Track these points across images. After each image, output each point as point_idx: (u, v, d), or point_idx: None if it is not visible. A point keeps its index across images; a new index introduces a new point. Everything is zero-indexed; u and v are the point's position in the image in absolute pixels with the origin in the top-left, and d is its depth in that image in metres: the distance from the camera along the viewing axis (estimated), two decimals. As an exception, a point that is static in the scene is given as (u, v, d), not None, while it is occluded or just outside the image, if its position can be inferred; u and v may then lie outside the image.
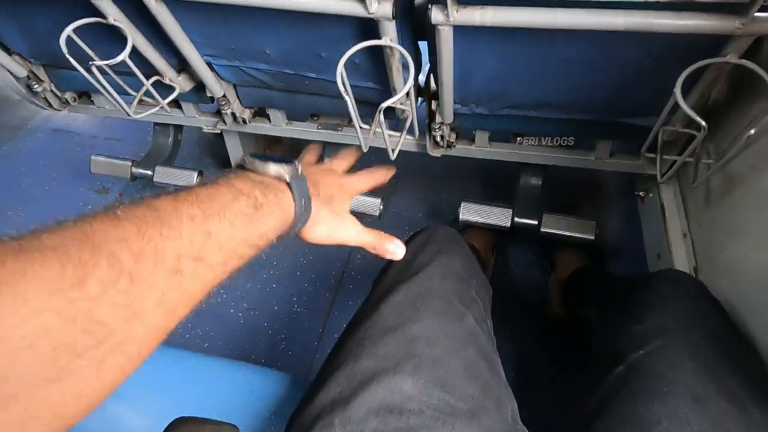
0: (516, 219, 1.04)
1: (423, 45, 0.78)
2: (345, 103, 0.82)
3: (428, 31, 0.73)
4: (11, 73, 1.01)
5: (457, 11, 0.59)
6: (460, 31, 0.64)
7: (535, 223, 1.03)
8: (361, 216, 1.26)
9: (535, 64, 0.73)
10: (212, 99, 1.02)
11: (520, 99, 0.81)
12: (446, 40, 0.65)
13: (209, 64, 0.88)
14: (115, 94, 0.84)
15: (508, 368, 0.55)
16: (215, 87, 0.92)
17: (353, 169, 0.62)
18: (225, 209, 0.35)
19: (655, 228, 0.92)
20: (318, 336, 1.14)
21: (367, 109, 0.88)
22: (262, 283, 1.22)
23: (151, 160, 1.22)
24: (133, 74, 0.85)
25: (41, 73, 1.04)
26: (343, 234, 0.49)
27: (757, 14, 0.52)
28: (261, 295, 1.21)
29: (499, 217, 1.04)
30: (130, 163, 1.19)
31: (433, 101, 0.91)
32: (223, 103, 0.99)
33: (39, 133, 1.67)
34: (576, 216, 1.03)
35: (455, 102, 0.83)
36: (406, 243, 0.63)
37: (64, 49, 0.75)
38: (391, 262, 0.62)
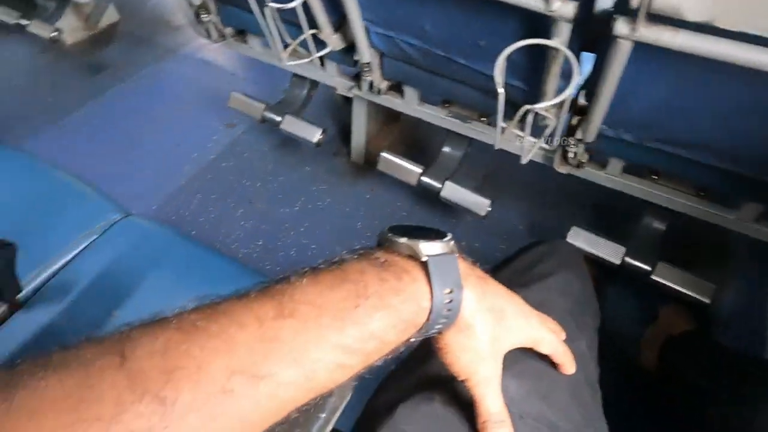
0: (627, 258, 0.98)
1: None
2: (484, 95, 0.81)
3: (599, 42, 0.70)
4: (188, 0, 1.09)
5: (645, 27, 0.56)
6: (637, 49, 0.61)
7: (648, 268, 0.96)
8: (464, 212, 1.25)
9: (705, 100, 0.68)
10: (355, 63, 1.05)
11: (676, 134, 0.75)
12: (621, 55, 0.61)
13: (366, 29, 0.90)
14: (277, 38, 0.88)
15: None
16: (365, 52, 0.94)
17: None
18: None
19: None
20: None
21: (506, 107, 0.86)
22: (332, 227, 1.26)
23: (282, 108, 1.28)
24: (294, 24, 0.89)
25: (212, 5, 1.11)
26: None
27: None
28: (327, 237, 1.24)
29: (610, 251, 0.98)
30: (263, 106, 1.25)
31: (575, 117, 0.87)
32: (366, 69, 1.01)
33: (187, 60, 1.80)
34: (694, 272, 0.95)
35: (603, 122, 0.79)
36: (525, 249, 0.61)
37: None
38: (506, 261, 0.60)
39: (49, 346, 0.53)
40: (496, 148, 0.85)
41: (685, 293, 0.92)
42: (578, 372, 0.44)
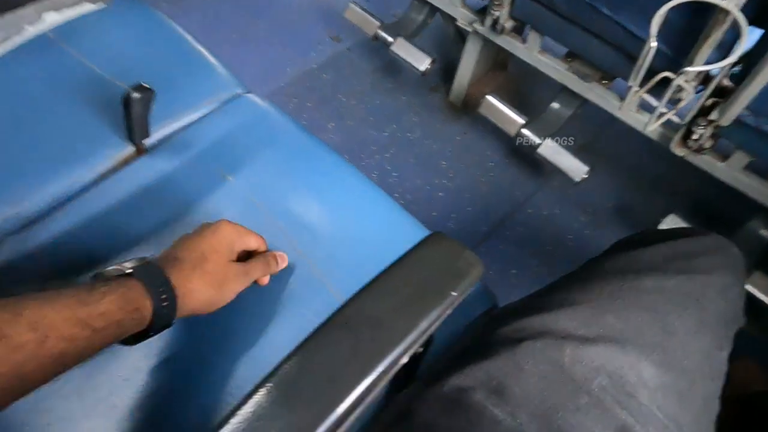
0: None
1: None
2: (615, 53, 0.75)
3: (775, 16, 0.63)
4: None
5: None
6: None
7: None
8: (554, 176, 1.20)
9: None
10: (486, -6, 1.00)
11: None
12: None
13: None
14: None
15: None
16: (503, -18, 0.89)
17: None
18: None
19: None
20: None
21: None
22: (431, 187, 1.25)
23: (397, 29, 1.25)
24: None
25: None
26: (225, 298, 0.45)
27: None
28: (425, 196, 1.24)
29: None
30: (379, 23, 1.23)
31: (711, 98, 0.80)
32: (497, 3, 0.97)
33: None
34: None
35: (746, 107, 0.72)
36: (689, 231, 0.57)
37: None
38: (655, 233, 0.57)
39: (164, 193, 0.57)
40: (617, 113, 0.80)
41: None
42: (717, 382, 0.42)
